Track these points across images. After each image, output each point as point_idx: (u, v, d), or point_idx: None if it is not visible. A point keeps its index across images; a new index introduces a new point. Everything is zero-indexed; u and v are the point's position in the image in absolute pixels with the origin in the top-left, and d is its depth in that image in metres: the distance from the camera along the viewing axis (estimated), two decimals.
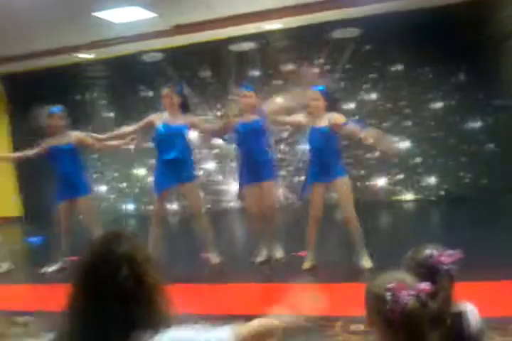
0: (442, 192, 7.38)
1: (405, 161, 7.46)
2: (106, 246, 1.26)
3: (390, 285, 1.27)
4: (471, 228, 5.21)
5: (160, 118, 4.67)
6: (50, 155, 5.03)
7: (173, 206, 8.09)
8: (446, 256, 1.49)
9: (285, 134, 7.76)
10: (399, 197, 7.55)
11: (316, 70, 4.15)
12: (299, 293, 1.54)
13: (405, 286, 1.27)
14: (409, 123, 7.34)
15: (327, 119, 4.22)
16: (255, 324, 1.37)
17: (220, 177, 8.26)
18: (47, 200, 6.18)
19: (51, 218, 5.52)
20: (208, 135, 5.24)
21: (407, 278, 1.32)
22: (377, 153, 7.50)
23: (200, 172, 8.38)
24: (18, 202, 9.41)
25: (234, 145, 5.71)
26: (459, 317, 1.53)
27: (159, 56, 8.24)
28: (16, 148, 7.90)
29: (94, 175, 8.90)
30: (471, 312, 1.56)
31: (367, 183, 7.66)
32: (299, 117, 4.45)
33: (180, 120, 4.67)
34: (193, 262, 5.01)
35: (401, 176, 7.53)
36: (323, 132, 4.21)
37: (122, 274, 1.20)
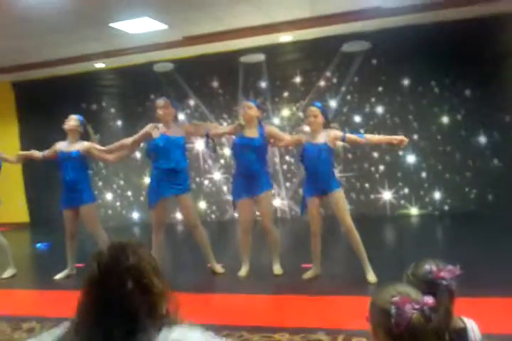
0: (447, 207, 7.37)
1: (410, 175, 7.48)
2: (113, 258, 1.27)
3: (394, 299, 1.27)
4: (475, 244, 5.21)
5: (156, 129, 4.74)
6: (58, 160, 5.10)
7: (178, 215, 8.12)
8: (446, 272, 1.48)
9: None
10: (403, 212, 7.55)
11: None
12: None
13: (410, 300, 1.27)
14: (415, 137, 7.36)
15: (325, 135, 4.31)
16: None
17: (226, 188, 8.30)
18: (54, 206, 6.22)
19: (58, 224, 5.54)
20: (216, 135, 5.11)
21: (412, 291, 1.33)
22: (381, 167, 7.54)
23: (206, 182, 8.45)
24: (24, 208, 9.46)
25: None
26: (460, 333, 1.54)
27: (170, 66, 8.34)
28: None
29: (100, 183, 8.98)
30: (473, 328, 1.57)
31: (372, 197, 7.67)
32: (296, 136, 4.72)
33: (176, 130, 4.76)
34: (197, 272, 5.03)
35: (406, 190, 7.54)
36: (321, 149, 4.29)
37: (129, 287, 1.22)
